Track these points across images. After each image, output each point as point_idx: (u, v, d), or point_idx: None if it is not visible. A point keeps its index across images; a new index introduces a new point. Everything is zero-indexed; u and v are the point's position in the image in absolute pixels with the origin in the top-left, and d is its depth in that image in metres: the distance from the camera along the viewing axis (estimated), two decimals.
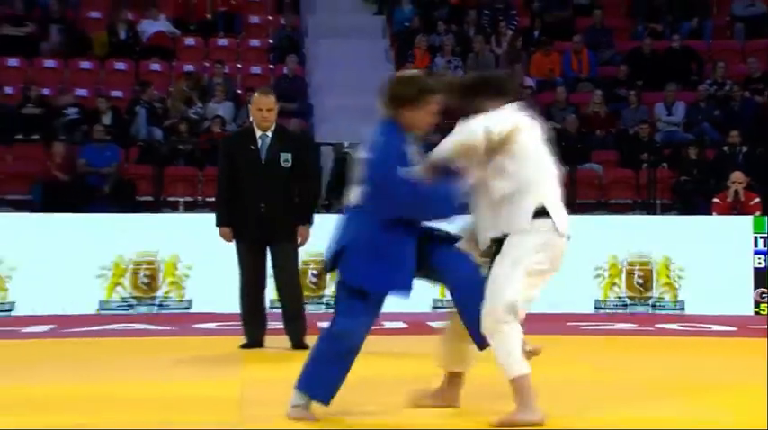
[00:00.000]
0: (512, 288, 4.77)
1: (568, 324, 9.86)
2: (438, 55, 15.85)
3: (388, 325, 9.59)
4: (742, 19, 16.60)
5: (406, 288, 4.89)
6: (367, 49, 16.19)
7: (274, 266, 7.72)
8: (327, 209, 12.78)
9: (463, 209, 4.91)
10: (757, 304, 10.86)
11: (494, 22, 16.44)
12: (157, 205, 13.16)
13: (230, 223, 7.70)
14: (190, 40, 16.52)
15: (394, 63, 15.82)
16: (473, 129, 4.79)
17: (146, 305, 10.90)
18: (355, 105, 14.56)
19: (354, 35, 16.28)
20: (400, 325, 9.61)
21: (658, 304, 11.15)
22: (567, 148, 14.05)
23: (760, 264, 10.90)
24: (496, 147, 4.78)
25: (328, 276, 10.25)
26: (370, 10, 17.54)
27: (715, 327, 9.66)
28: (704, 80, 15.34)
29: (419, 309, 10.82)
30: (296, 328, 7.71)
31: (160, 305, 10.90)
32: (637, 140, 14.30)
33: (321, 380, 4.92)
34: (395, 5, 16.96)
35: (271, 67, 16.17)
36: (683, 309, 11.04)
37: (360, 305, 4.86)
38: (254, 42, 16.76)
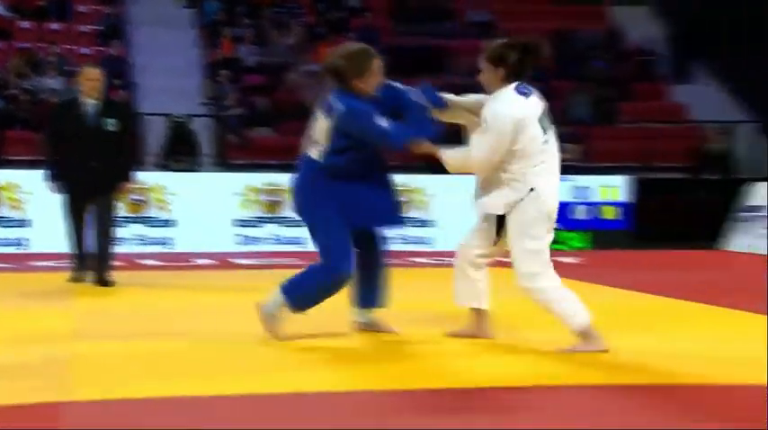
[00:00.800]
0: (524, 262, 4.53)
1: None
2: (241, 44, 15.72)
3: (199, 261, 9.57)
4: (475, 23, 17.23)
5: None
6: (180, 37, 15.83)
7: (96, 215, 7.48)
8: (165, 168, 12.77)
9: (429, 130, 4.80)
10: None
11: (286, 18, 16.43)
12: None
13: (59, 178, 7.46)
14: (25, 24, 15.74)
15: (203, 50, 15.61)
16: (502, 128, 4.50)
17: None
18: (171, 85, 14.37)
19: (169, 24, 15.88)
20: (209, 261, 9.61)
21: None
22: None
23: None
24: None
25: None
26: (182, 3, 17.16)
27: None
28: (449, 71, 15.80)
29: (225, 248, 10.93)
30: (101, 267, 7.45)
31: None
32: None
33: (305, 296, 4.89)
34: (201, 0, 16.67)
35: (100, 49, 15.60)
36: None
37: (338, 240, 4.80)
38: (84, 28, 16.10)
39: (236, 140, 13.98)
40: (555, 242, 4.73)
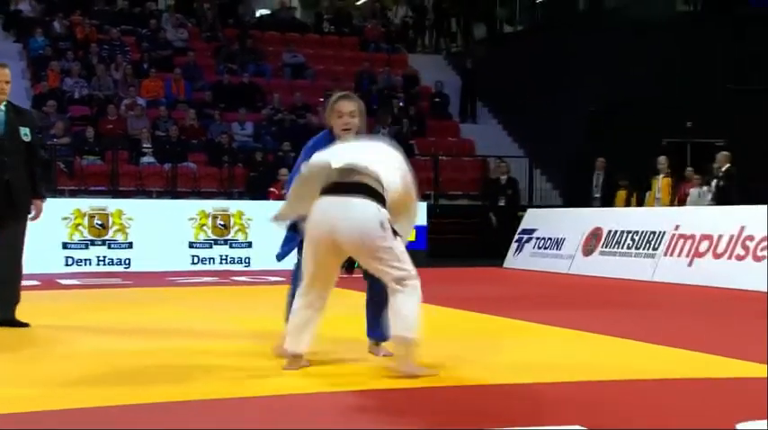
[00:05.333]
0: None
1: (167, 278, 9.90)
2: (67, 77, 15.07)
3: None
4: (290, 65, 17.38)
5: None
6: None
7: (5, 239, 5.67)
8: None
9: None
10: None
11: (111, 55, 15.91)
12: None
13: None
14: None
15: (30, 81, 14.84)
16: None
17: None
18: None
19: None
20: (34, 282, 9.14)
21: None
22: (170, 151, 14.02)
23: None
24: None
25: None
26: (11, 38, 16.30)
27: None
28: (266, 106, 15.87)
29: (52, 270, 10.41)
30: (10, 304, 5.73)
31: None
32: (220, 146, 14.52)
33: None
34: (29, 36, 15.87)
35: None
36: None
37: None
38: None
39: (64, 168, 13.37)
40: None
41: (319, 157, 4.14)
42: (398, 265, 4.04)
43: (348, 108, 4.46)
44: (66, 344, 5.21)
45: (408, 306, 4.04)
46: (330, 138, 4.47)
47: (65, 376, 4.14)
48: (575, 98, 15.53)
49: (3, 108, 5.75)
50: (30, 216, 5.80)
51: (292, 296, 4.36)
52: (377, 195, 3.99)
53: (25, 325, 5.69)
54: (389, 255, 4.00)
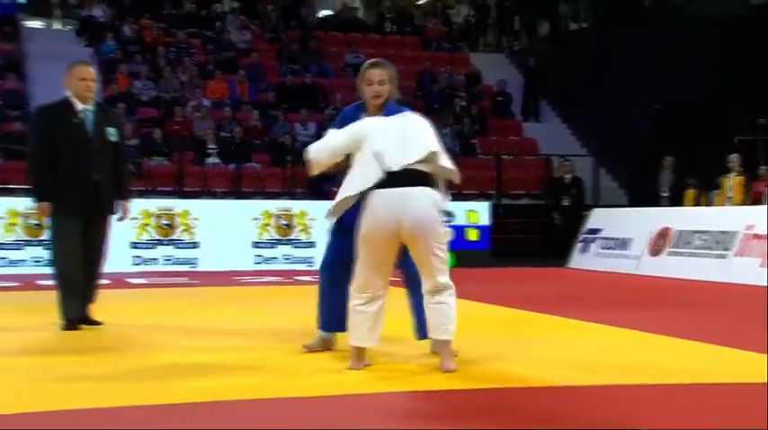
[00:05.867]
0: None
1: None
2: (136, 80, 15.40)
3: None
4: (352, 65, 17.47)
5: None
6: None
7: (90, 240, 5.67)
8: None
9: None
10: None
11: (178, 57, 16.20)
12: None
13: (52, 197, 5.60)
14: None
15: (102, 84, 15.21)
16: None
17: None
18: None
19: (70, 60, 15.38)
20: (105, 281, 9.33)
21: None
22: (234, 151, 14.21)
23: None
24: None
25: None
26: (82, 42, 16.79)
27: None
28: (329, 106, 15.96)
29: (121, 269, 10.66)
30: (86, 301, 5.77)
31: None
32: (283, 147, 14.66)
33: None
34: (101, 40, 16.28)
35: None
36: None
37: None
38: None
39: (132, 169, 13.65)
40: None
41: (370, 147, 4.06)
42: (445, 268, 4.13)
43: (378, 76, 4.38)
44: (138, 343, 5.31)
45: (454, 308, 4.17)
46: (361, 109, 4.43)
47: (139, 373, 4.22)
48: (640, 95, 15.23)
49: (91, 108, 5.69)
50: (117, 216, 5.79)
51: (329, 288, 4.45)
52: (429, 179, 4.09)
53: (98, 323, 5.78)
54: (442, 252, 4.10)
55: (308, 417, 3.35)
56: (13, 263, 10.64)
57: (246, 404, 3.55)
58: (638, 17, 16.93)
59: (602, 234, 12.09)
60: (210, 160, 14.30)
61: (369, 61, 4.52)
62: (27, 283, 9.07)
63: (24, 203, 10.52)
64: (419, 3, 22.07)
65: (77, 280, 5.64)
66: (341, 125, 4.39)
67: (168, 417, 3.36)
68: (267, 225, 11.64)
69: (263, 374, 4.22)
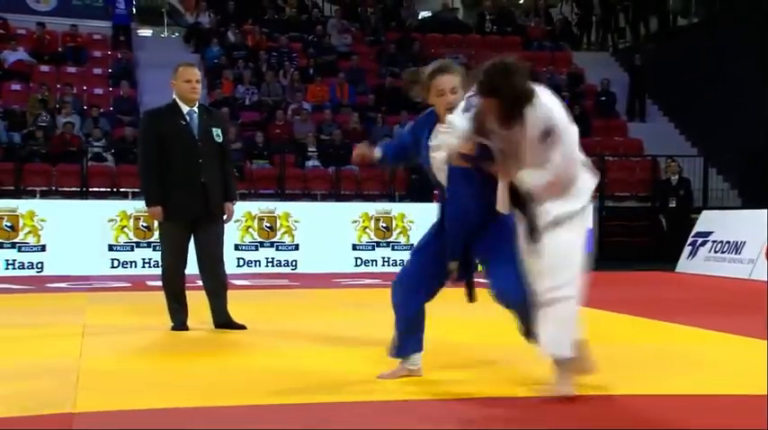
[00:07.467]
0: None
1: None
2: (239, 84, 15.73)
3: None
4: None
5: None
6: None
7: (204, 243, 5.68)
8: None
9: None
10: None
11: (280, 62, 16.46)
12: (18, 193, 12.45)
13: (161, 200, 5.61)
14: (44, 68, 15.71)
15: (207, 89, 15.60)
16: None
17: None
18: None
19: None
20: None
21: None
22: (334, 154, 14.32)
23: None
24: None
25: None
26: (189, 49, 17.27)
27: None
28: (427, 108, 15.85)
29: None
30: (220, 305, 5.76)
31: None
32: None
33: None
34: (206, 46, 16.70)
35: (110, 89, 15.63)
36: None
37: None
38: (97, 71, 16.12)
39: (235, 172, 13.94)
40: None
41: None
42: None
43: (449, 83, 3.97)
44: (241, 344, 5.36)
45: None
46: (433, 115, 4.07)
47: (239, 373, 4.22)
48: (753, 93, 14.55)
49: (196, 110, 5.68)
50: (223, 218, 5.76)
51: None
52: None
53: (242, 327, 5.72)
54: None
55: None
56: (124, 265, 10.99)
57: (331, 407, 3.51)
58: (752, 11, 16.18)
59: (713, 237, 11.58)
60: (311, 163, 14.45)
61: (434, 66, 4.06)
62: (137, 284, 9.34)
63: (135, 206, 10.90)
64: (520, 2, 21.76)
65: (180, 283, 5.73)
66: (411, 130, 4.23)
67: (260, 417, 3.35)
68: (366, 227, 11.67)
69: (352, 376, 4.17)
